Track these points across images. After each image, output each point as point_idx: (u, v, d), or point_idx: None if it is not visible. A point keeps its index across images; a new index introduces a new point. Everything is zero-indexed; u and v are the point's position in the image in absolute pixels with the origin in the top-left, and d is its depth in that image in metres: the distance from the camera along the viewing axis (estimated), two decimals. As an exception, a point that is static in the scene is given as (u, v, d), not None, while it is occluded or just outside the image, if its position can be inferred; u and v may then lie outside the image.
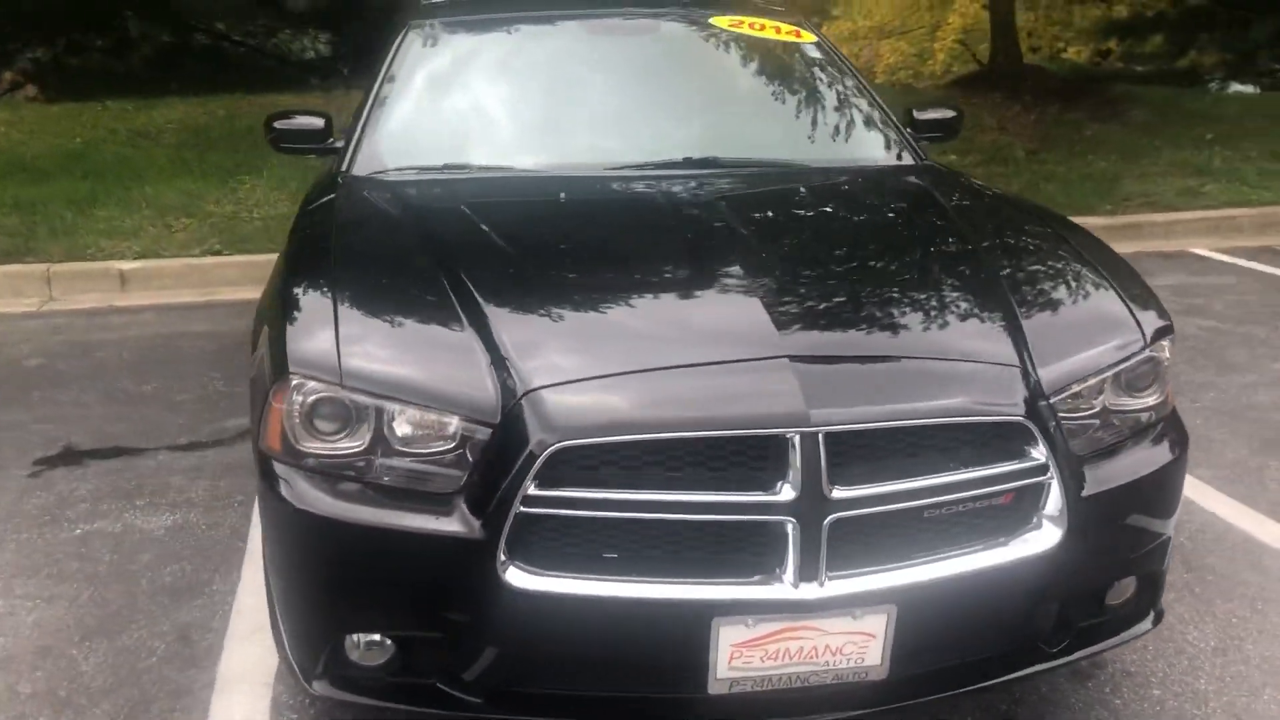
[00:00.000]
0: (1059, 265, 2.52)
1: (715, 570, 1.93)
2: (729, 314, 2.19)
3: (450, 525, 1.94)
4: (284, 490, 2.06)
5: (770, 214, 2.86)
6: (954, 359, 2.08)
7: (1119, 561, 2.22)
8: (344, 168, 3.11)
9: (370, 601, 2.05)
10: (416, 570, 2.00)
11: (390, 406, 2.00)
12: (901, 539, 1.99)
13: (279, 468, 2.09)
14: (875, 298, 2.33)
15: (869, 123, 3.45)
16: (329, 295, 2.24)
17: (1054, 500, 2.05)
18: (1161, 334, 2.30)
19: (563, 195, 2.90)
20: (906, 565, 1.97)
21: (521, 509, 1.89)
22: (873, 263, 2.55)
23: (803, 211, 2.98)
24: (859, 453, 1.92)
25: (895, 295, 2.34)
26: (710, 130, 3.31)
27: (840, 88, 3.56)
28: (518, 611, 1.93)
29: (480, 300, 2.18)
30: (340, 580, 2.06)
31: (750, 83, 3.58)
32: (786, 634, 1.94)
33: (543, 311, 2.21)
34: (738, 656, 1.95)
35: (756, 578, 1.92)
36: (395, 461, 2.01)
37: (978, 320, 2.24)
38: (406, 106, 3.31)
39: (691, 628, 1.93)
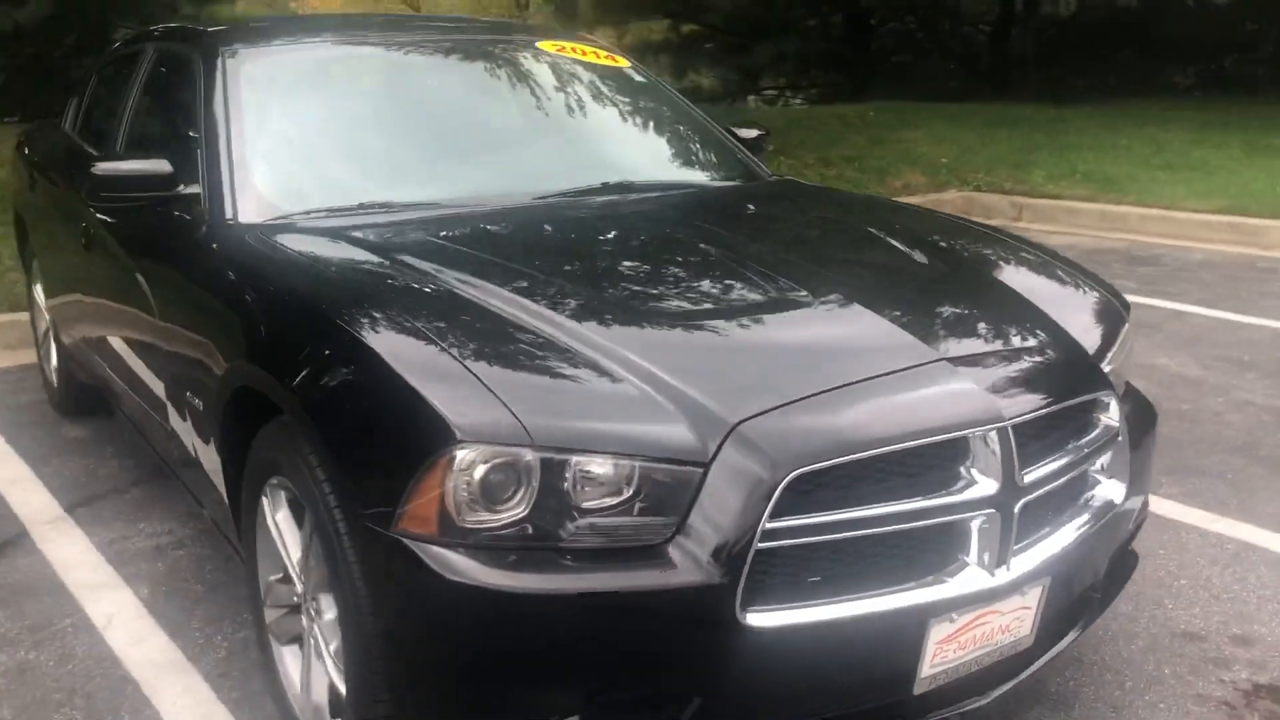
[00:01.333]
0: (1033, 262, 2.82)
1: (921, 572, 1.98)
2: (853, 327, 2.23)
3: (677, 576, 1.82)
4: (454, 575, 1.81)
5: (770, 231, 2.90)
6: (1052, 350, 2.29)
7: (1142, 505, 2.55)
8: (220, 216, 2.72)
9: (581, 678, 1.86)
10: (637, 632, 1.85)
11: (579, 461, 1.83)
12: (1044, 514, 2.16)
13: (435, 552, 1.83)
14: (946, 301, 2.47)
15: (719, 143, 3.58)
16: (436, 350, 1.98)
17: (1123, 456, 2.32)
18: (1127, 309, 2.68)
19: (547, 227, 2.74)
20: (1052, 537, 2.15)
21: (760, 545, 1.82)
22: (912, 271, 2.67)
23: (798, 228, 3.03)
24: (1019, 441, 2.06)
25: (956, 297, 2.50)
26: (601, 155, 3.27)
27: (675, 110, 3.66)
28: (754, 652, 1.85)
29: (604, 339, 2.05)
30: (545, 661, 1.85)
31: (604, 108, 3.57)
32: (976, 622, 2.04)
33: (674, 342, 2.12)
34: (939, 653, 2.01)
35: (961, 573, 2.00)
36: (588, 520, 1.84)
37: (1029, 313, 2.46)
38: (270, 144, 2.95)
39: (909, 633, 1.97)
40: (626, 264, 2.62)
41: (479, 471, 1.81)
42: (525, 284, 2.30)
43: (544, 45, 3.60)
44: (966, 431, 1.98)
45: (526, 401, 1.86)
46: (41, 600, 3.14)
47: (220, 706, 2.64)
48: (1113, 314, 2.61)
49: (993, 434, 1.98)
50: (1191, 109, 14.97)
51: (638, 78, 3.70)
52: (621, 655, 1.86)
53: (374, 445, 1.93)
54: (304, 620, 2.32)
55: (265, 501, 2.37)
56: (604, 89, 3.58)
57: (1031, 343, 2.30)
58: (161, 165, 2.82)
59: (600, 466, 1.83)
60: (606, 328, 2.12)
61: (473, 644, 1.85)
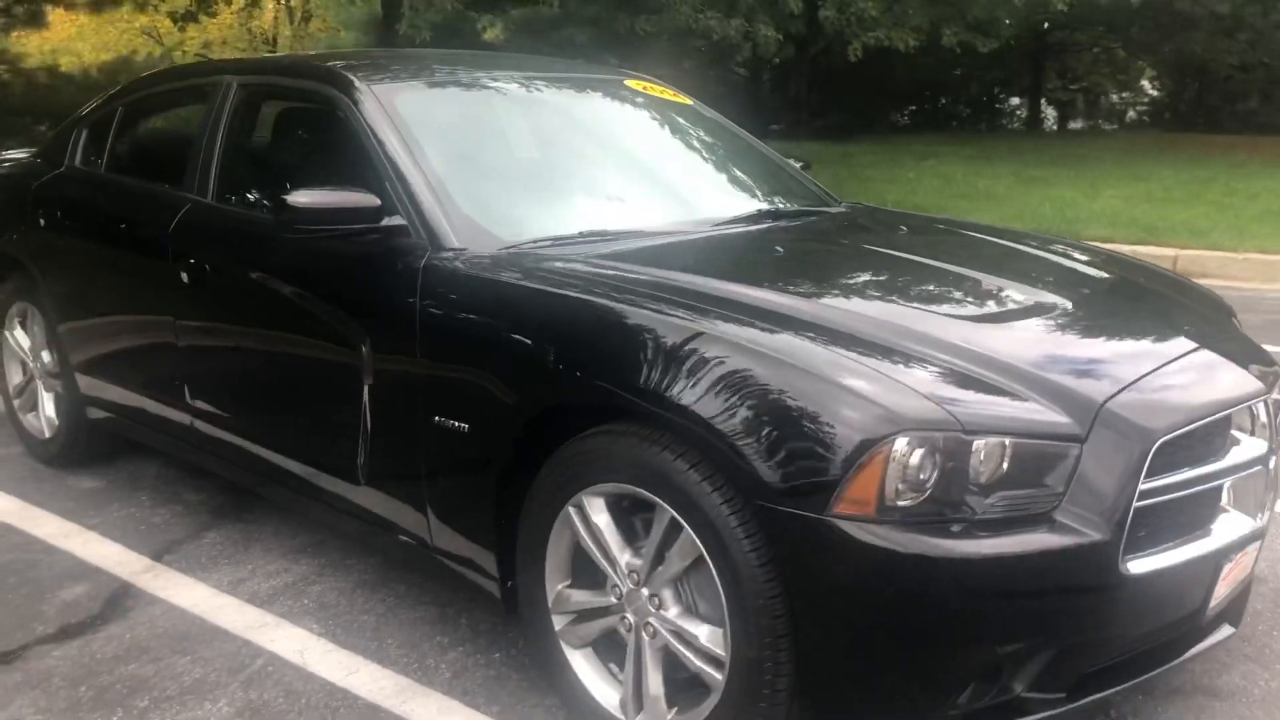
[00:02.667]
0: (1147, 269, 3.32)
1: (1210, 522, 2.40)
2: (1118, 320, 2.67)
3: (1071, 538, 2.14)
4: (894, 547, 2.05)
5: (940, 246, 3.24)
6: (1241, 337, 2.78)
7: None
8: (442, 247, 2.81)
9: (989, 635, 2.13)
10: (1038, 592, 2.14)
11: (985, 443, 2.12)
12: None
13: (873, 529, 2.07)
14: (1138, 300, 2.92)
15: (790, 171, 3.93)
16: (827, 351, 2.22)
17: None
18: None
19: (778, 249, 2.98)
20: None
21: (1136, 504, 2.18)
22: (1088, 276, 3.08)
23: (955, 244, 3.35)
24: None
25: (1143, 297, 2.95)
26: (736, 184, 3.56)
27: (747, 142, 3.99)
28: (1129, 598, 2.20)
29: (936, 339, 2.35)
30: (967, 621, 2.11)
31: (707, 141, 3.82)
32: (1240, 560, 2.47)
33: (1001, 340, 2.42)
34: (1220, 587, 2.43)
35: (1242, 519, 2.43)
36: (992, 494, 2.13)
37: (1201, 309, 2.96)
38: (462, 175, 3.04)
39: (1210, 571, 2.37)
40: (878, 277, 2.91)
41: (913, 456, 2.07)
42: (825, 299, 2.56)
43: (631, 84, 3.83)
44: (1251, 402, 2.43)
45: (934, 393, 2.14)
46: (213, 645, 3.06)
47: (488, 718, 2.72)
48: (1228, 308, 3.15)
49: (1262, 404, 2.44)
50: (948, 145, 16.59)
51: (705, 113, 4.00)
52: (1028, 612, 2.16)
53: (798, 439, 2.11)
54: (629, 618, 2.46)
55: (572, 512, 2.50)
56: (694, 124, 3.86)
57: (1232, 332, 2.78)
58: (368, 198, 2.85)
59: (1002, 447, 2.13)
60: (925, 330, 2.41)
61: (908, 608, 2.09)
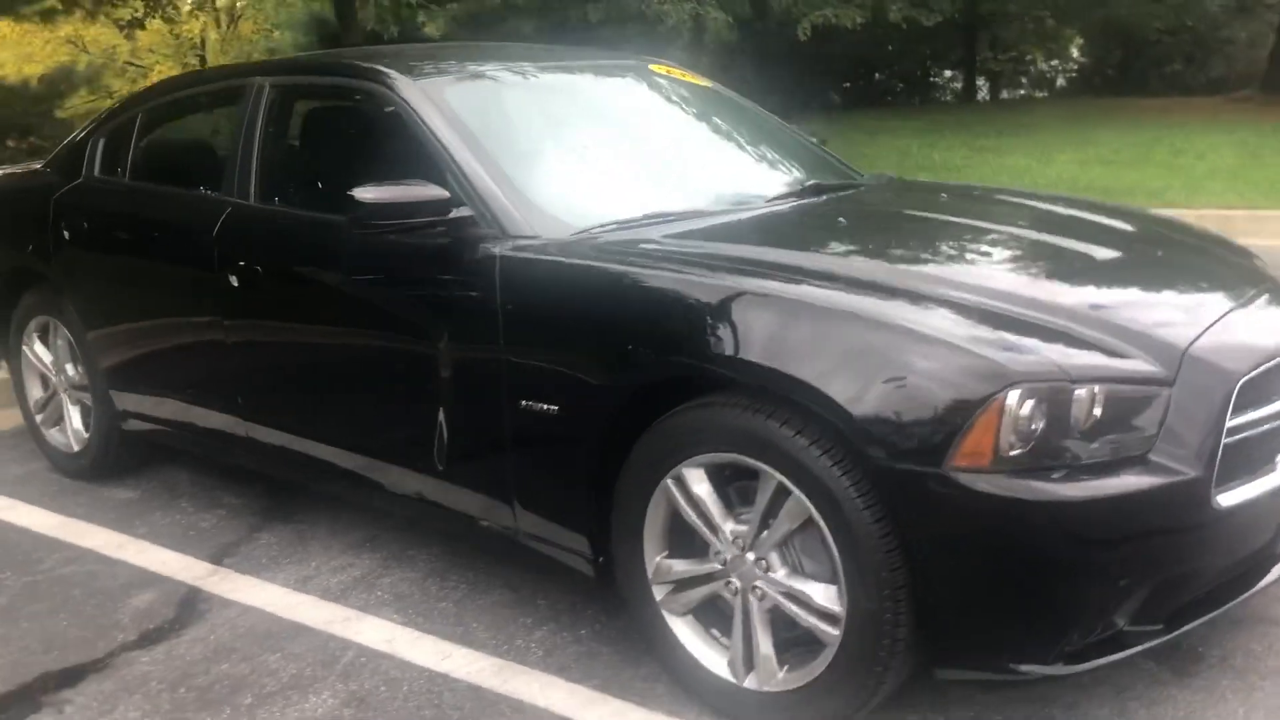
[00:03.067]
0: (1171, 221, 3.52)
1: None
2: (1172, 270, 2.80)
3: (1169, 477, 2.26)
4: (1011, 494, 2.16)
5: (990, 212, 3.36)
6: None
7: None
8: (511, 233, 2.86)
9: (1097, 573, 2.25)
10: (1140, 529, 2.26)
11: (1085, 391, 2.23)
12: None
13: (985, 479, 2.18)
14: (1172, 252, 3.09)
15: (815, 149, 4.04)
16: (931, 313, 2.33)
17: None
18: None
19: (842, 220, 3.08)
20: None
21: (1225, 440, 2.31)
22: (1121, 232, 3.22)
23: (1001, 209, 3.46)
24: None
25: (1176, 248, 3.13)
26: (776, 162, 3.67)
27: (771, 120, 4.09)
28: (1219, 531, 2.34)
29: (1021, 296, 2.47)
30: (1072, 562, 2.23)
31: (737, 121, 3.91)
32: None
33: (1077, 296, 2.56)
34: (1288, 516, 2.58)
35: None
36: (1093, 440, 2.25)
37: (1233, 260, 3.10)
38: (520, 164, 3.09)
39: None
40: (948, 242, 3.02)
41: (1024, 407, 2.18)
42: (904, 265, 2.67)
43: (655, 69, 3.91)
44: None
45: (1037, 346, 2.26)
46: (298, 641, 3.10)
47: (598, 694, 2.78)
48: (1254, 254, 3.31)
49: None
50: (894, 119, 16.84)
51: (727, 94, 4.09)
52: (1131, 549, 2.28)
53: (915, 399, 2.21)
54: (734, 583, 2.55)
55: (670, 484, 2.58)
56: (721, 106, 3.94)
57: (1273, 278, 2.94)
58: (437, 190, 2.89)
59: (1101, 394, 2.25)
60: (1009, 289, 2.52)
61: (1023, 551, 2.21)
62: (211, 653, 3.06)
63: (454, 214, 2.92)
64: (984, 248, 2.95)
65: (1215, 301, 2.61)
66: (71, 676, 2.98)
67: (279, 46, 18.16)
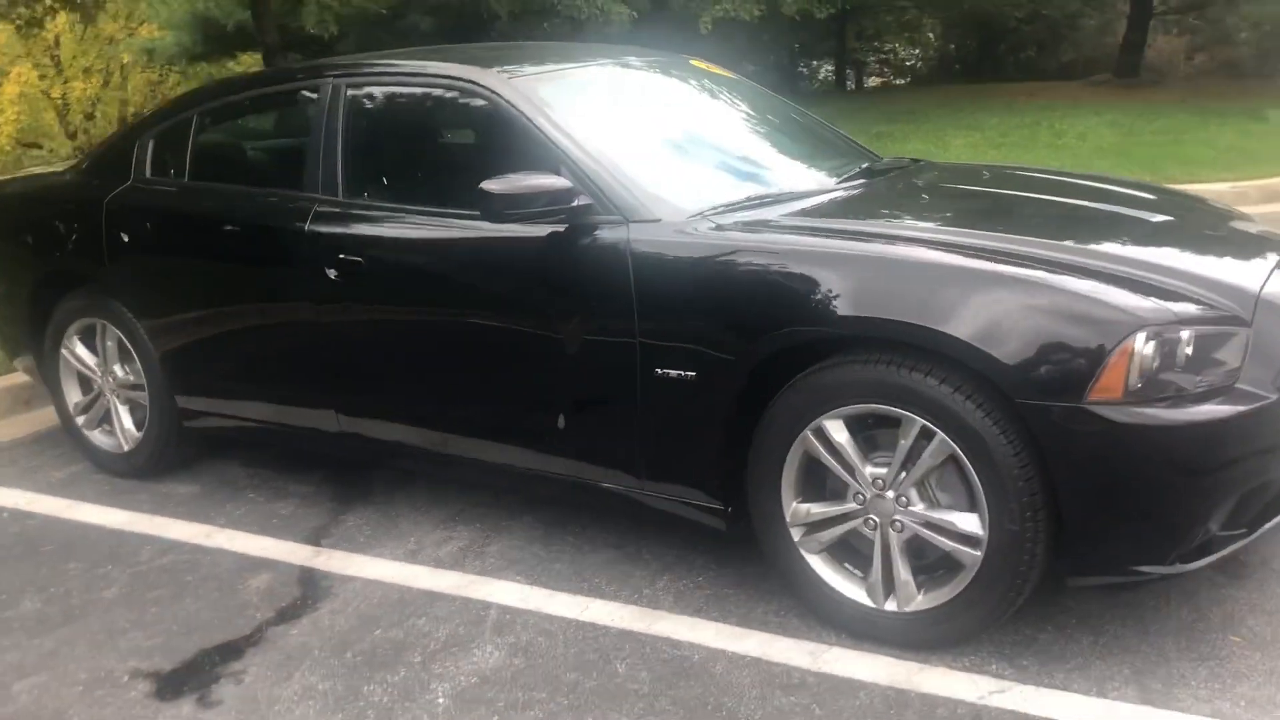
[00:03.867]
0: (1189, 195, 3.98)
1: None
2: (1217, 230, 3.24)
3: (1255, 403, 2.67)
4: (1143, 421, 2.55)
5: (1034, 185, 3.76)
6: None
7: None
8: (634, 218, 3.12)
9: (1204, 484, 2.64)
10: (1236, 446, 2.66)
11: (1190, 333, 2.64)
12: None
13: (1118, 409, 2.57)
14: (1200, 214, 3.56)
15: (845, 136, 4.41)
16: (1055, 268, 2.71)
17: None
18: None
19: (924, 196, 3.43)
20: None
21: None
22: (1147, 197, 3.68)
23: (1040, 184, 3.85)
24: None
25: (1204, 211, 3.59)
26: (828, 147, 4.00)
27: (803, 110, 4.44)
28: None
29: (1111, 254, 2.86)
30: (1187, 475, 2.62)
31: (777, 110, 4.24)
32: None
33: (1150, 250, 2.96)
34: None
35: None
36: (1196, 374, 2.66)
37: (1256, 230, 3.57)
38: (626, 156, 3.34)
39: None
40: (1021, 213, 3.41)
41: (1148, 347, 2.57)
42: (1000, 231, 3.02)
43: (695, 63, 4.21)
44: None
45: (1151, 295, 2.65)
46: (437, 606, 3.28)
47: (741, 629, 3.08)
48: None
49: None
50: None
51: (755, 85, 4.42)
52: (1229, 463, 2.68)
53: (1057, 345, 2.58)
54: (873, 519, 2.89)
55: (810, 435, 2.90)
56: (760, 97, 4.27)
57: None
58: (559, 180, 3.14)
59: (1201, 334, 2.65)
60: (1100, 248, 2.92)
61: (1148, 467, 2.59)
62: (358, 622, 3.24)
63: (576, 202, 3.16)
64: (1057, 217, 3.35)
65: (1260, 255, 3.06)
66: (230, 651, 3.13)
67: (157, 46, 17.64)
